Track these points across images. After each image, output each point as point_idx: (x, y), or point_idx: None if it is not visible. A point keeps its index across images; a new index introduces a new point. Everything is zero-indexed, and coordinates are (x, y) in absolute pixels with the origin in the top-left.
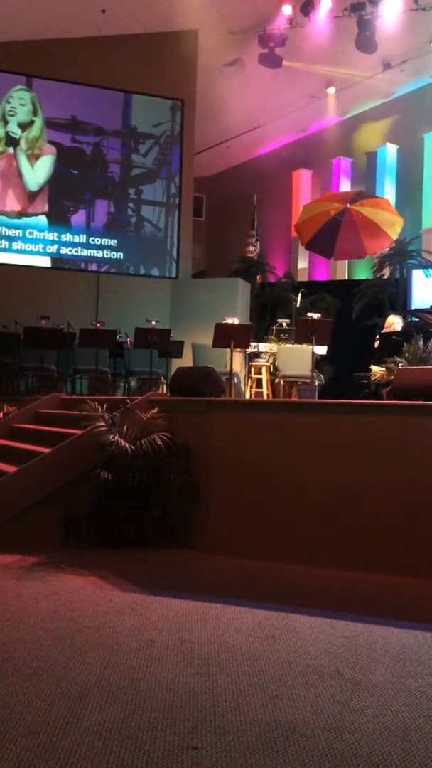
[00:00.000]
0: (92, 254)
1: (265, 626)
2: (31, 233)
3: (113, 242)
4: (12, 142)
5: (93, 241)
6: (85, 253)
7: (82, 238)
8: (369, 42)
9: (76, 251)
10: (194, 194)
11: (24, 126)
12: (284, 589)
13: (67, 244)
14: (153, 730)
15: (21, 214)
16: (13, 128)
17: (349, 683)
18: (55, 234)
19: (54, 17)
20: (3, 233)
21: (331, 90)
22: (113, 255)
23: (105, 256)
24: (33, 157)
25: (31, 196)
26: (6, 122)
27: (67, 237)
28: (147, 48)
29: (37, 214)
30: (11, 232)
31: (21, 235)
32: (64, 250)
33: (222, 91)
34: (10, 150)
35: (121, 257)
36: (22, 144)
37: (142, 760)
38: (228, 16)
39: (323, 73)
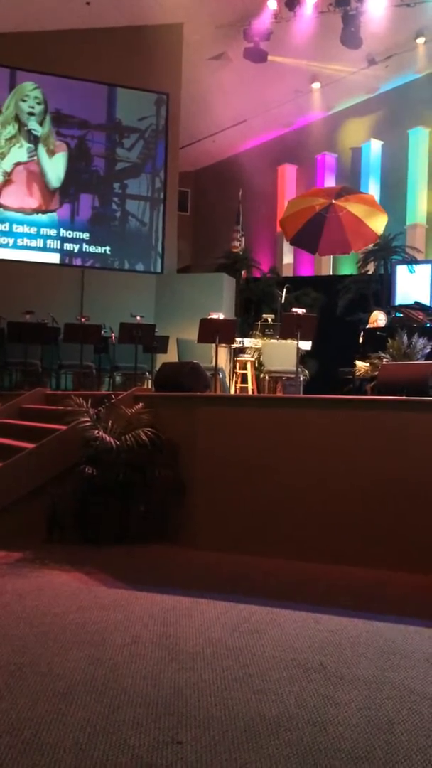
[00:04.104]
0: (77, 249)
1: (250, 621)
2: (17, 227)
3: (98, 237)
4: (35, 140)
5: (77, 235)
6: (69, 247)
7: (67, 233)
8: (354, 37)
9: (61, 245)
10: (179, 189)
11: (40, 124)
12: (269, 583)
13: (51, 238)
14: (137, 726)
15: (36, 211)
16: (35, 126)
17: (333, 677)
18: (40, 228)
19: (38, 9)
20: None
21: (316, 85)
22: (98, 249)
23: (89, 250)
24: (49, 153)
25: (52, 192)
26: (23, 122)
27: (51, 231)
28: (132, 41)
29: (52, 211)
30: None
31: (8, 229)
32: (50, 244)
33: (207, 86)
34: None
35: (106, 252)
36: (41, 141)
37: (127, 756)
38: (213, 9)
39: (308, 68)
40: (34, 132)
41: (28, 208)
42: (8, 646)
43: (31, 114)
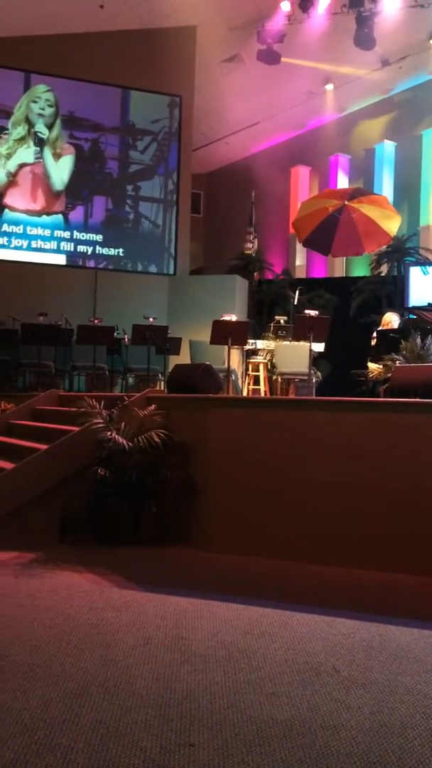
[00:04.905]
0: (90, 251)
1: (262, 623)
2: (31, 230)
3: (111, 239)
4: (40, 142)
5: (91, 237)
6: (82, 249)
7: (80, 235)
8: (367, 38)
9: (74, 248)
10: (192, 191)
11: (49, 127)
12: (280, 585)
13: (65, 240)
14: (150, 728)
15: (42, 212)
16: (41, 128)
17: (345, 681)
18: (54, 231)
19: (52, 12)
20: (2, 230)
21: (330, 86)
22: (111, 251)
23: (103, 252)
24: (56, 156)
25: (56, 195)
26: (32, 123)
27: (65, 233)
28: (145, 44)
29: (57, 213)
30: (9, 229)
31: (22, 231)
32: (63, 246)
33: (220, 88)
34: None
35: (119, 254)
36: (48, 144)
37: (139, 758)
38: (227, 12)
39: (321, 69)
40: (40, 134)
41: (33, 210)
42: (22, 647)
43: (40, 116)
